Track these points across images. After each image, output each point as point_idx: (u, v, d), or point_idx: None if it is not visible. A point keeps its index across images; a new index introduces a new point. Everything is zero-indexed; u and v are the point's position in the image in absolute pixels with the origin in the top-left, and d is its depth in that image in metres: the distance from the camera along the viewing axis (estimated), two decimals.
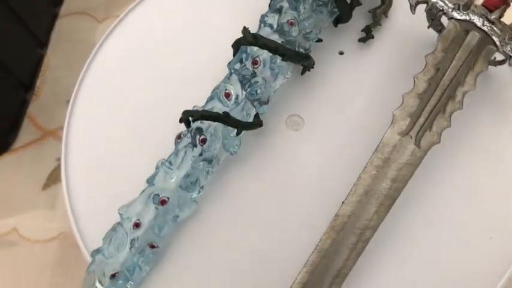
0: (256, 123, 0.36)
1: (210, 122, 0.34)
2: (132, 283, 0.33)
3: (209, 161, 0.35)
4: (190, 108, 0.35)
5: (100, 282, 0.32)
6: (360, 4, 0.39)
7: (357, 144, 0.35)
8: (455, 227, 0.35)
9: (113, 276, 0.32)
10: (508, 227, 0.34)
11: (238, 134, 0.35)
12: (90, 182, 0.37)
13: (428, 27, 0.37)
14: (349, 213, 0.32)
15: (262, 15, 0.37)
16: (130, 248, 0.33)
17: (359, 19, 0.40)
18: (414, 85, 0.34)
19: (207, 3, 0.44)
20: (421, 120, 0.33)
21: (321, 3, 0.37)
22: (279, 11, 0.37)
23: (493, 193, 0.35)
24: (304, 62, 0.36)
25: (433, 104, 0.33)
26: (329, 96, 0.39)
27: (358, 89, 0.39)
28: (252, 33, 0.35)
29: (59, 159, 0.39)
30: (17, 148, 0.58)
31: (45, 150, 0.57)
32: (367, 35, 0.40)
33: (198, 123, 0.34)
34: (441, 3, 0.35)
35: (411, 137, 0.33)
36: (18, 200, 0.57)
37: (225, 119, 0.34)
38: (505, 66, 0.36)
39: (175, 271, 0.34)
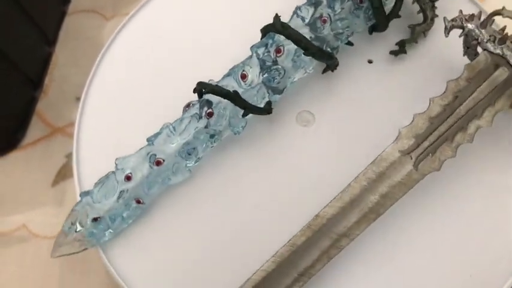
0: (265, 109, 0.36)
1: (220, 98, 0.35)
2: (111, 231, 0.35)
3: (211, 135, 0.36)
4: None
5: (81, 223, 0.34)
6: (398, 17, 0.38)
7: (361, 152, 0.34)
8: (438, 256, 0.34)
9: (94, 220, 0.34)
10: (488, 271, 0.33)
11: (244, 115, 0.35)
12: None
13: (464, 54, 0.36)
14: (329, 216, 0.32)
15: (297, 6, 0.37)
16: (118, 198, 0.34)
17: (396, 31, 0.40)
18: (428, 107, 0.33)
19: None
20: (426, 143, 0.32)
21: (358, 7, 0.37)
22: (315, 5, 0.36)
23: (483, 235, 0.34)
24: (327, 60, 0.36)
25: (442, 131, 0.33)
26: (345, 99, 0.39)
27: (376, 99, 0.38)
28: (282, 22, 0.35)
29: (67, 156, 0.40)
30: (25, 145, 0.59)
31: (53, 147, 0.57)
32: (400, 49, 0.39)
33: (208, 96, 0.35)
34: (477, 31, 0.34)
35: (411, 158, 0.32)
36: (27, 197, 0.57)
37: (234, 97, 0.34)
38: None
39: (156, 229, 0.36)
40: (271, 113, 0.37)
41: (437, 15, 0.39)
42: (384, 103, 0.38)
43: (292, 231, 0.32)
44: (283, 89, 0.37)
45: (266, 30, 0.36)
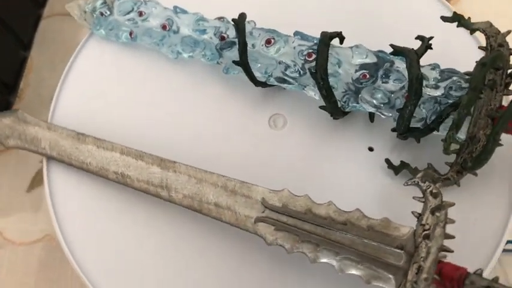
0: (255, 79, 0.37)
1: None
2: (103, 31, 0.41)
3: (213, 52, 0.38)
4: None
5: (93, 8, 0.41)
6: (417, 141, 0.34)
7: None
8: None
9: (101, 14, 0.41)
10: None
11: (235, 62, 0.37)
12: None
13: None
14: (177, 170, 0.34)
15: (361, 45, 0.35)
16: (126, 20, 0.40)
17: (417, 150, 0.36)
18: (322, 204, 0.31)
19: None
20: (284, 218, 0.31)
21: (403, 100, 0.34)
22: (377, 58, 0.34)
23: None
24: (325, 98, 0.35)
25: (304, 228, 0.30)
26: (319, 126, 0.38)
27: (339, 166, 0.37)
28: (329, 38, 0.34)
29: (42, 162, 0.38)
30: (1, 150, 0.55)
31: (29, 152, 0.50)
32: (396, 168, 0.35)
33: (236, 28, 0.37)
34: (426, 209, 0.29)
35: (263, 212, 0.32)
36: (2, 203, 0.55)
37: (242, 45, 0.36)
38: None
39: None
40: (256, 85, 0.38)
41: (457, 185, 0.34)
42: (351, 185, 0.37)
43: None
44: (286, 84, 0.37)
45: (322, 36, 0.36)
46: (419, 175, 0.30)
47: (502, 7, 0.62)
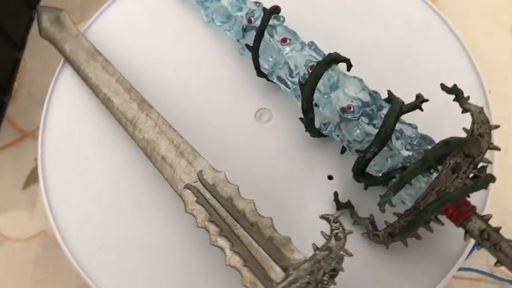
0: (259, 70, 0.39)
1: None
2: None
3: (239, 30, 0.40)
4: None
5: None
6: (366, 184, 0.34)
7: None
8: None
9: None
10: None
11: (246, 45, 0.39)
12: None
13: None
14: (150, 115, 0.37)
15: (358, 79, 0.35)
16: None
17: (371, 197, 0.35)
18: (245, 199, 0.33)
19: None
20: (207, 195, 0.33)
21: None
22: (370, 96, 0.35)
23: None
24: (303, 110, 0.36)
25: (218, 212, 0.33)
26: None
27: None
28: (327, 61, 0.34)
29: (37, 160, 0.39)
30: None
31: (24, 150, 0.54)
32: (340, 204, 0.36)
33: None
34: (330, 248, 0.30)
35: (195, 181, 0.34)
36: None
37: (259, 33, 0.38)
38: None
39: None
40: (258, 75, 0.39)
41: (386, 247, 0.34)
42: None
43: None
44: (284, 86, 0.38)
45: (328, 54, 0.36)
46: (336, 214, 0.31)
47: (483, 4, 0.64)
